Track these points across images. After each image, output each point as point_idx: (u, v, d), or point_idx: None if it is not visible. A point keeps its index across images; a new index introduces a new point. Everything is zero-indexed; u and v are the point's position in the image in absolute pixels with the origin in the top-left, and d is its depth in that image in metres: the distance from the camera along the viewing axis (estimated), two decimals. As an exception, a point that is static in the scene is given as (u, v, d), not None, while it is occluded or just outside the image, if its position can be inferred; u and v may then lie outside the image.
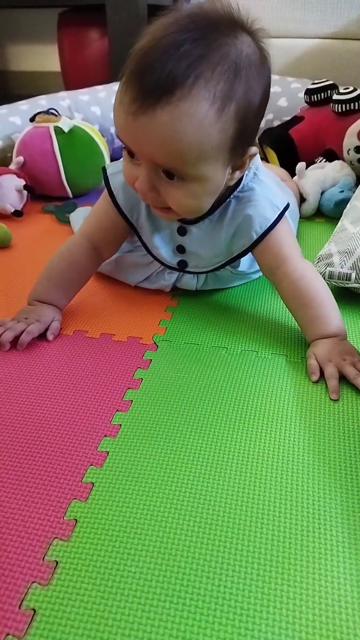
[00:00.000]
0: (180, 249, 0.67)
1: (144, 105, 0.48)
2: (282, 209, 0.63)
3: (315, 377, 0.56)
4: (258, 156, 0.62)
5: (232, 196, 0.62)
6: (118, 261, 0.74)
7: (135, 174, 0.54)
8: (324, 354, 0.58)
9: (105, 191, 0.66)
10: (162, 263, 0.70)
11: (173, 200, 0.54)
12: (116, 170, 0.65)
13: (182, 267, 0.69)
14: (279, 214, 0.63)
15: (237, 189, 0.62)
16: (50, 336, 0.63)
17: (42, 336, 0.64)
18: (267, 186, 0.63)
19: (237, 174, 0.57)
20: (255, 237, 0.62)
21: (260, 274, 0.72)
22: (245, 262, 0.71)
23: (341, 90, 1.07)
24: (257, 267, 0.70)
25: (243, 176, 0.61)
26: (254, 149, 0.56)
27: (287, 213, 0.64)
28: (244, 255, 0.67)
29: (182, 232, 0.65)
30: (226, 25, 0.49)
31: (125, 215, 0.66)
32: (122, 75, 0.51)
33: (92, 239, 0.68)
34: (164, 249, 0.67)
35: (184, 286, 0.72)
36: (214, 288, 0.74)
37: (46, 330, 0.63)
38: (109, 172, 0.67)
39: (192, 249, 0.66)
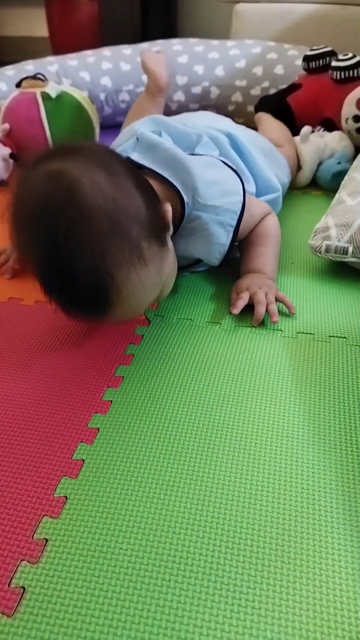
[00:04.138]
0: None
1: (90, 317, 0.50)
2: (235, 223, 0.62)
3: (234, 310, 0.60)
4: (195, 167, 0.59)
5: (180, 228, 0.60)
6: None
7: None
8: (244, 284, 0.63)
9: None
10: None
11: (157, 301, 0.58)
12: None
13: None
14: (235, 229, 0.62)
15: (184, 221, 0.60)
16: None
17: (30, 312, 0.62)
18: (212, 205, 0.59)
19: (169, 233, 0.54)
20: (218, 262, 0.65)
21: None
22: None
23: (340, 57, 1.03)
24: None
25: (185, 207, 0.59)
26: (167, 206, 0.54)
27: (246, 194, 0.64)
28: None
29: None
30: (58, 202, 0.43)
31: None
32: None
33: None
34: None
35: None
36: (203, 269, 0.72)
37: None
38: None
39: None
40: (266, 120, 1.06)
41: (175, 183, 0.58)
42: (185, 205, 0.59)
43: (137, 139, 0.64)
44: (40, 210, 0.43)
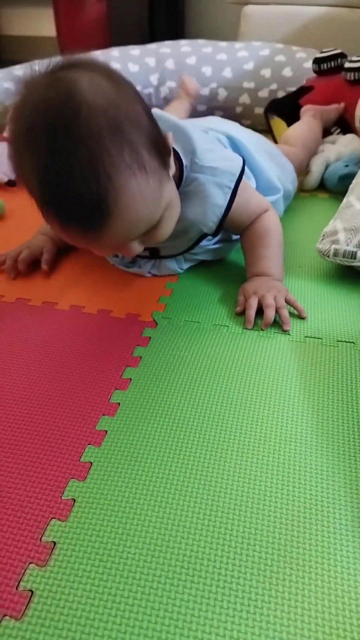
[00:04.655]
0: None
1: (88, 229, 0.46)
2: (233, 185, 0.61)
3: (239, 309, 0.61)
4: (195, 134, 0.60)
5: (179, 192, 0.59)
6: None
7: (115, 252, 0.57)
8: (251, 287, 0.62)
9: None
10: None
11: (156, 239, 0.54)
12: None
13: (154, 254, 0.68)
14: (232, 191, 0.61)
15: (182, 184, 0.60)
16: (43, 266, 0.69)
17: (38, 313, 0.62)
18: (209, 166, 0.59)
19: (171, 164, 0.54)
20: (214, 226, 0.63)
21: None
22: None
23: (353, 59, 1.03)
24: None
25: (183, 168, 0.59)
26: (169, 134, 0.53)
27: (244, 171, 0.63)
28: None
29: None
30: (63, 95, 0.41)
31: None
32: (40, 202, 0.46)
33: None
34: None
35: (167, 272, 0.69)
36: (205, 259, 0.71)
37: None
38: None
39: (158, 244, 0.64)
40: (297, 125, 1.03)
41: (175, 147, 0.58)
42: (184, 168, 0.59)
43: None
44: (39, 111, 0.41)
